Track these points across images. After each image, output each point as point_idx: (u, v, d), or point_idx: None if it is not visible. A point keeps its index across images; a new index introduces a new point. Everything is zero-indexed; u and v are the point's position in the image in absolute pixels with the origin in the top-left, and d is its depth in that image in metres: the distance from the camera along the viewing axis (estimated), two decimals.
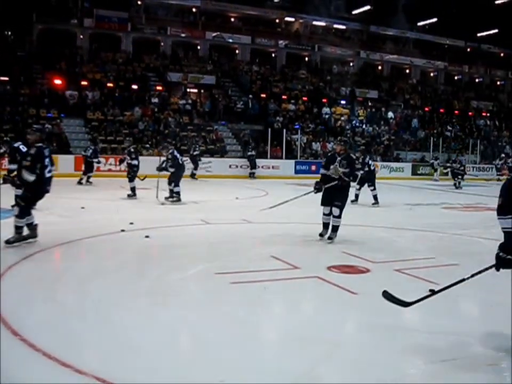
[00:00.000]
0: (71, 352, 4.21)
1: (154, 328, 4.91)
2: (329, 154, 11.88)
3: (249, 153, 26.07)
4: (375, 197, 15.36)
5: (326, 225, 9.53)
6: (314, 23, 44.04)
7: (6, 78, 28.53)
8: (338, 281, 6.44)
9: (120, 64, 33.68)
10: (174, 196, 14.47)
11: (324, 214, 9.57)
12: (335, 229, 9.36)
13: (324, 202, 9.57)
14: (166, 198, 14.45)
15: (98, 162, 20.25)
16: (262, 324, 5.27)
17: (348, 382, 3.94)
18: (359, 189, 15.54)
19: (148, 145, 25.35)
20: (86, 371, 3.84)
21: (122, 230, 9.54)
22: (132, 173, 15.32)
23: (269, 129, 28.41)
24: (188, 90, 34.26)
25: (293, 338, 4.77)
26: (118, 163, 18.30)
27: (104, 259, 7.97)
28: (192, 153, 23.80)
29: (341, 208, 9.32)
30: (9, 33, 35.85)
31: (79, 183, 19.08)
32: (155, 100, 30.16)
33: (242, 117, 31.57)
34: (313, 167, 27.52)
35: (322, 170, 9.79)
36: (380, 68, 46.31)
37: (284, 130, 28.71)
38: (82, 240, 8.88)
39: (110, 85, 30.46)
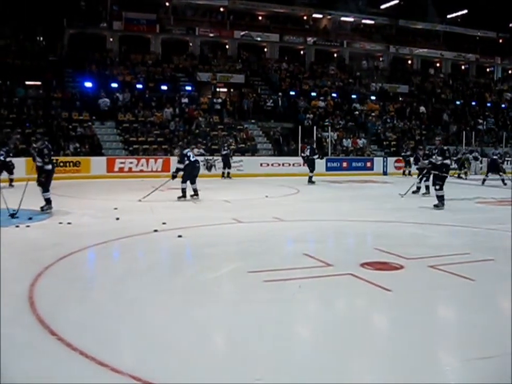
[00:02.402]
0: (107, 351, 4.27)
1: (189, 327, 4.94)
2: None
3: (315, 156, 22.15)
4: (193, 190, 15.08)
5: None
6: (343, 19, 43.75)
7: (39, 83, 28.99)
8: (371, 278, 6.38)
9: (150, 65, 33.91)
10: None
11: None
12: None
13: None
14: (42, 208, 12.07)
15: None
16: (297, 322, 5.26)
17: (381, 380, 3.92)
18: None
19: (179, 145, 25.43)
20: (122, 370, 3.89)
21: (155, 230, 9.60)
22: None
23: (299, 127, 28.32)
24: (218, 89, 34.36)
25: (327, 336, 4.76)
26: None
27: (138, 259, 8.06)
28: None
29: None
30: (41, 38, 36.41)
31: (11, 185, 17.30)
32: (185, 100, 30.31)
33: (272, 115, 31.53)
34: (345, 164, 27.39)
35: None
36: (409, 62, 45.82)
37: (314, 128, 28.59)
38: (116, 241, 8.97)
39: (140, 86, 30.71)
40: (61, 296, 5.80)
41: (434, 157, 13.98)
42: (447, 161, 13.84)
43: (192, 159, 14.96)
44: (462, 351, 4.46)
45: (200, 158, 24.68)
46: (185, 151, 15.12)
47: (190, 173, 14.94)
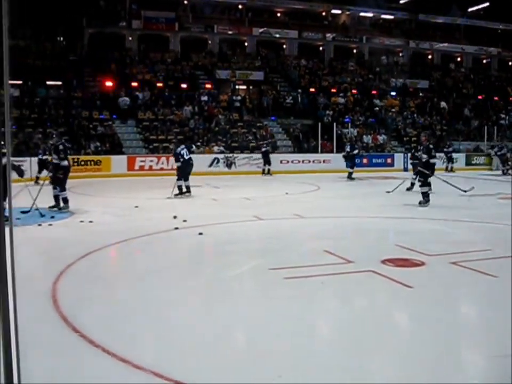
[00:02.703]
0: (129, 348, 4.30)
1: (210, 324, 4.96)
2: None
3: (355, 151, 22.30)
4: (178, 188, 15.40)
5: None
6: (362, 14, 43.45)
7: (59, 83, 29.22)
8: (393, 275, 6.35)
9: (169, 63, 34.01)
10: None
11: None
12: None
13: None
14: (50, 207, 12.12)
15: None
16: (318, 319, 5.26)
17: (402, 377, 3.89)
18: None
19: (198, 144, 25.51)
20: (143, 366, 3.91)
21: (176, 228, 9.66)
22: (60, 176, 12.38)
23: (319, 123, 28.21)
24: (237, 87, 34.39)
25: (348, 333, 4.75)
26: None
27: (158, 257, 8.09)
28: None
29: None
30: (61, 38, 36.69)
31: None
32: (204, 98, 30.38)
33: (291, 112, 31.45)
34: (365, 160, 27.23)
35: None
36: (430, 57, 45.41)
37: (334, 124, 28.47)
38: (137, 239, 9.02)
39: (159, 84, 30.84)
40: (83, 294, 5.85)
41: (419, 153, 14.08)
42: (434, 160, 13.62)
43: (186, 157, 15.27)
44: (484, 349, 4.42)
45: (220, 156, 24.93)
46: (178, 150, 15.41)
47: (183, 171, 15.32)
